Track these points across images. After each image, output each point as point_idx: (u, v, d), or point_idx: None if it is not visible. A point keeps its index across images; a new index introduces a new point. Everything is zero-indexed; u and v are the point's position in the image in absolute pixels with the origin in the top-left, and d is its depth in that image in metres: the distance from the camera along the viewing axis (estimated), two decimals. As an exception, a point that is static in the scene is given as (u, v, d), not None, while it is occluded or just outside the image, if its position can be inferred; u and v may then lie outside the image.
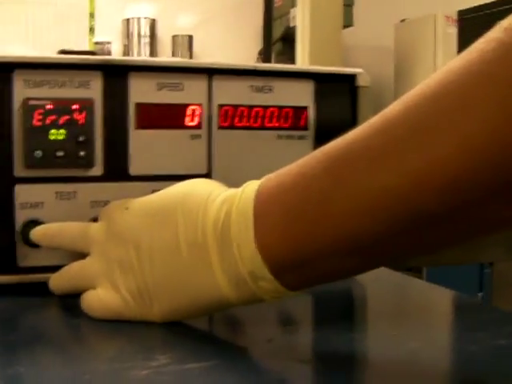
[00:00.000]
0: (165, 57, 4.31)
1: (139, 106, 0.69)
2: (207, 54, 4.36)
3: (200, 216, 0.55)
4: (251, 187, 0.54)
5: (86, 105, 0.67)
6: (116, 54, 4.28)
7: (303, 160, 0.52)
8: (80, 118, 0.67)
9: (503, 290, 1.90)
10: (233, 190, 0.56)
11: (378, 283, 0.73)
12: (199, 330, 0.59)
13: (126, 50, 4.28)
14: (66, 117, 0.66)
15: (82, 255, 0.62)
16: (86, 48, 4.24)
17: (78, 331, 0.59)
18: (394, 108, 0.48)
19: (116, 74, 0.69)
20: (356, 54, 4.50)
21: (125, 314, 0.58)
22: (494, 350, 0.53)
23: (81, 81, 0.67)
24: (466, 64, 0.44)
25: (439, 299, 0.73)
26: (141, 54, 4.23)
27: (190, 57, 4.27)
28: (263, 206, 0.52)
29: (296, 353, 0.54)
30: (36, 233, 0.65)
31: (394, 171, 0.46)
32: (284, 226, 0.51)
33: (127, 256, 0.58)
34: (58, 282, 0.64)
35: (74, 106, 0.67)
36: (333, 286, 0.55)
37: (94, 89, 0.68)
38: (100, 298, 0.59)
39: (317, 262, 0.51)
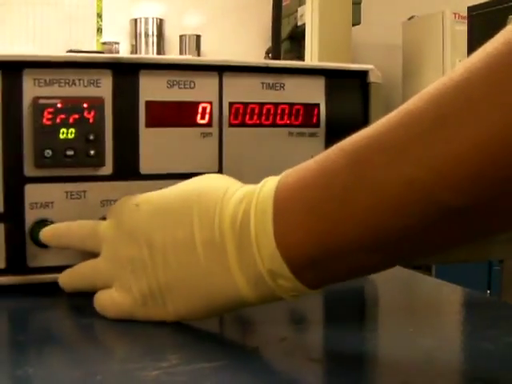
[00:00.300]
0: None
1: (149, 103, 0.69)
2: (215, 54, 4.36)
3: (217, 214, 0.54)
4: (270, 184, 0.53)
5: (96, 103, 0.67)
6: (124, 54, 4.27)
7: (322, 155, 0.51)
8: (90, 116, 0.66)
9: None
10: (250, 187, 0.55)
11: (390, 281, 0.73)
12: (210, 330, 0.58)
13: (134, 50, 4.27)
14: (76, 115, 0.66)
15: (91, 255, 0.62)
16: (94, 48, 4.24)
17: (88, 332, 0.59)
18: (416, 101, 0.47)
19: (126, 72, 0.68)
20: (364, 52, 4.49)
21: (137, 314, 0.58)
22: (507, 346, 0.52)
23: (90, 79, 0.67)
24: (490, 54, 0.44)
25: (450, 296, 0.73)
26: (148, 54, 4.23)
27: (198, 56, 4.27)
28: (283, 204, 0.51)
29: (308, 352, 0.53)
30: (45, 233, 0.65)
31: (418, 165, 0.45)
32: (305, 224, 0.50)
33: (139, 255, 0.57)
34: (69, 279, 0.63)
35: (84, 105, 0.66)
36: (345, 285, 0.54)
37: (103, 87, 0.67)
38: (112, 298, 0.59)
39: (339, 259, 0.50)
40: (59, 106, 0.65)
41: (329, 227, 0.49)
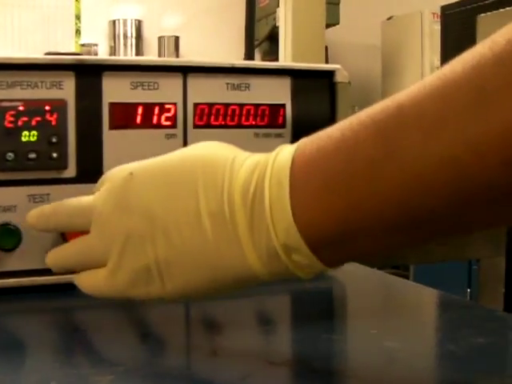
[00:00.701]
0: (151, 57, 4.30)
1: (113, 105, 0.68)
2: (194, 55, 4.35)
3: (226, 184, 0.50)
4: (285, 153, 0.49)
5: (59, 105, 0.66)
6: (102, 56, 4.26)
7: (345, 123, 0.47)
8: (52, 119, 0.66)
9: (490, 286, 1.90)
10: (263, 155, 0.51)
11: (359, 282, 0.73)
12: (173, 332, 0.58)
13: (113, 52, 4.26)
14: (38, 118, 0.65)
15: None
16: (73, 50, 4.22)
17: (47, 337, 0.58)
18: (452, 68, 0.43)
19: (89, 74, 0.68)
20: (343, 52, 4.50)
21: (132, 293, 0.53)
22: (473, 348, 0.52)
23: (53, 81, 0.66)
24: None
25: (421, 298, 0.72)
26: (127, 55, 4.21)
27: (177, 57, 4.26)
28: (301, 174, 0.47)
29: (271, 355, 0.53)
30: (31, 215, 0.60)
31: (454, 140, 0.42)
32: (325, 199, 0.46)
33: (136, 229, 0.52)
34: (57, 259, 0.59)
35: (46, 107, 0.65)
36: (313, 286, 0.54)
37: (66, 89, 0.67)
38: (105, 277, 0.54)
39: (359, 237, 0.47)
40: (21, 108, 0.65)
41: (349, 201, 0.46)
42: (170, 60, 0.71)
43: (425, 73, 3.86)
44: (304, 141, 0.49)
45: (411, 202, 0.44)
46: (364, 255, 0.50)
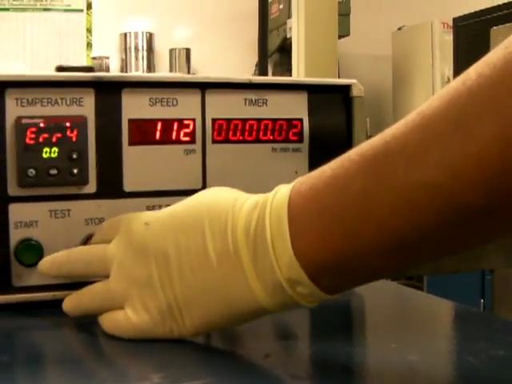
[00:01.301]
0: (163, 70, 4.31)
1: (132, 122, 0.69)
2: (205, 67, 4.36)
3: (229, 223, 0.54)
4: (283, 192, 0.53)
5: (79, 122, 0.67)
6: (114, 69, 4.28)
7: (335, 162, 0.51)
8: (73, 135, 0.66)
9: (504, 297, 1.89)
10: (262, 196, 0.54)
11: (377, 295, 0.73)
12: (195, 347, 0.58)
13: (124, 65, 4.28)
14: (59, 134, 0.66)
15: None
16: (84, 63, 4.24)
17: (71, 352, 0.59)
18: (431, 104, 0.47)
19: (108, 91, 0.69)
20: (354, 63, 4.50)
21: (155, 333, 0.57)
22: (493, 360, 0.53)
23: (73, 98, 0.67)
24: (503, 57, 0.44)
25: (438, 310, 0.73)
26: (138, 68, 4.23)
27: (188, 70, 4.27)
28: (298, 210, 0.51)
29: (292, 369, 0.53)
30: (43, 264, 0.64)
31: (435, 166, 0.45)
32: (321, 228, 0.50)
33: (154, 272, 0.56)
34: (77, 302, 0.62)
35: (67, 124, 0.66)
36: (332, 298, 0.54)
37: (86, 106, 0.68)
38: (129, 318, 0.57)
39: (356, 262, 0.50)
40: (42, 125, 0.65)
41: (346, 232, 0.49)
42: (188, 76, 0.72)
43: (435, 82, 3.86)
44: (299, 180, 0.53)
45: (402, 227, 0.47)
46: (363, 281, 0.53)
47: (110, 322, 0.59)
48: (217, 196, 0.57)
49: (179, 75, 0.72)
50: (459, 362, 0.54)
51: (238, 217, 0.53)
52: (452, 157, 0.45)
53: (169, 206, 0.60)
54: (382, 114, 4.30)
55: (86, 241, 0.67)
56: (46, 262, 0.64)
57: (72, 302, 0.62)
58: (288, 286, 0.51)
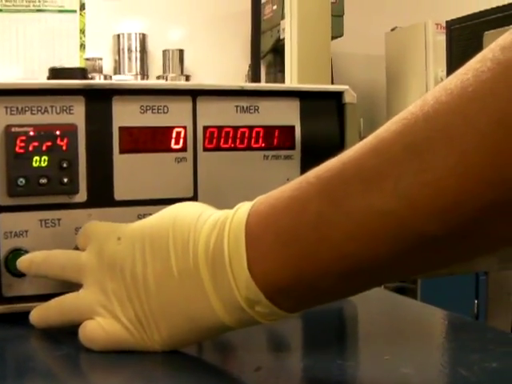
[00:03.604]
0: (156, 71, 4.30)
1: (123, 129, 0.68)
2: (199, 68, 4.36)
3: (191, 241, 0.54)
4: (243, 210, 0.53)
5: (69, 130, 0.66)
6: (107, 70, 4.27)
7: (294, 182, 0.51)
8: (63, 143, 0.66)
9: (498, 298, 1.90)
10: (223, 213, 0.54)
11: (370, 303, 0.73)
12: (184, 358, 0.57)
13: (117, 66, 4.27)
14: (49, 143, 0.65)
15: (68, 284, 0.61)
16: (77, 64, 4.23)
17: (67, 363, 0.58)
18: (388, 127, 0.47)
19: (99, 98, 0.68)
20: (347, 64, 4.50)
21: (128, 344, 0.57)
22: (486, 373, 0.52)
23: (63, 106, 0.67)
24: (460, 84, 0.44)
25: (431, 319, 0.72)
26: (132, 69, 4.22)
27: (182, 71, 4.26)
28: (255, 231, 0.51)
29: (282, 382, 0.53)
30: (22, 261, 0.64)
31: (391, 194, 0.45)
32: (278, 250, 0.50)
33: (124, 286, 0.57)
34: (46, 314, 0.62)
35: (57, 132, 0.66)
36: (325, 306, 0.54)
37: (76, 114, 0.67)
38: (103, 328, 0.57)
39: (314, 284, 0.50)
40: (32, 133, 0.65)
41: (303, 254, 0.49)
42: (179, 84, 0.71)
43: (429, 83, 3.86)
44: (259, 199, 0.53)
45: (357, 251, 0.47)
46: (322, 301, 0.53)
47: (85, 331, 0.58)
48: (182, 211, 0.57)
49: (170, 83, 0.71)
50: (452, 374, 0.54)
51: (200, 235, 0.54)
52: (407, 185, 0.44)
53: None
54: (376, 114, 4.29)
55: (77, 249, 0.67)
56: (24, 261, 0.64)
57: (41, 313, 0.62)
58: (246, 305, 0.51)
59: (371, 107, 4.40)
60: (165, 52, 4.32)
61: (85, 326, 0.58)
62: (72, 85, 0.68)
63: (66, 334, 0.61)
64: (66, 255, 0.63)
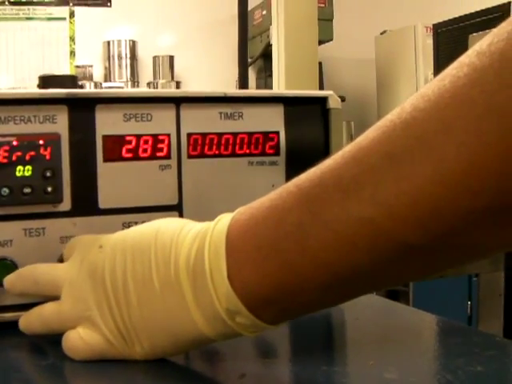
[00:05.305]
0: (146, 78, 4.30)
1: (106, 138, 0.68)
2: (189, 74, 4.36)
3: (172, 253, 0.54)
4: (223, 222, 0.53)
5: (52, 139, 0.66)
6: (97, 77, 4.27)
7: (275, 192, 0.51)
8: (46, 153, 0.66)
9: (490, 300, 1.90)
10: (205, 224, 0.54)
11: (358, 308, 0.72)
12: (167, 364, 0.57)
13: (108, 73, 4.27)
14: (32, 152, 0.65)
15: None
16: (68, 72, 4.23)
17: (51, 372, 0.58)
18: (367, 136, 0.47)
19: (82, 107, 0.68)
20: (337, 68, 4.51)
21: (108, 354, 0.57)
22: (470, 377, 0.52)
23: (46, 115, 0.66)
24: (438, 90, 0.43)
25: (418, 324, 0.72)
26: (122, 76, 4.22)
27: (172, 77, 4.27)
28: (236, 241, 0.51)
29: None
30: (7, 279, 0.63)
31: (369, 202, 0.45)
32: (258, 261, 0.50)
33: (105, 297, 0.56)
34: (29, 323, 0.62)
35: (40, 142, 0.65)
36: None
37: (60, 123, 0.67)
38: (83, 339, 0.57)
39: (295, 296, 0.50)
40: (15, 143, 0.65)
41: (282, 265, 0.49)
42: (162, 91, 0.71)
43: (419, 86, 3.87)
44: (240, 210, 0.53)
45: (338, 261, 0.47)
46: (304, 312, 0.53)
47: (66, 341, 0.58)
48: (165, 225, 0.56)
49: (153, 90, 0.71)
50: (436, 379, 0.53)
51: (181, 247, 0.53)
52: (385, 193, 0.44)
53: (145, 222, 0.59)
54: (367, 117, 4.30)
55: (62, 259, 0.66)
56: (9, 279, 0.63)
57: (26, 321, 0.62)
58: (227, 316, 0.51)
59: (362, 111, 4.41)
60: (155, 58, 4.32)
61: (66, 337, 0.58)
62: (55, 94, 0.67)
63: (51, 343, 0.60)
64: (39, 269, 0.62)
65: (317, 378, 0.54)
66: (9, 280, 0.63)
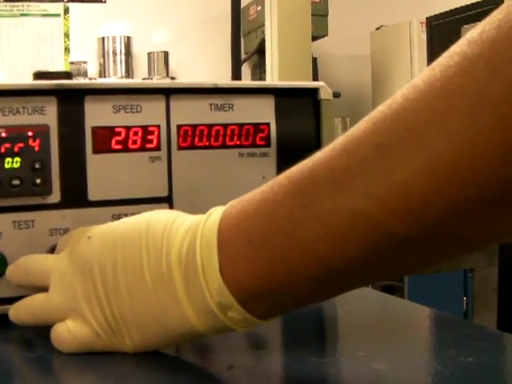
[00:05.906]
0: (141, 74, 4.29)
1: (96, 129, 0.68)
2: (184, 69, 4.35)
3: (164, 246, 0.53)
4: (215, 215, 0.52)
5: (41, 131, 0.66)
6: (92, 73, 4.26)
7: (266, 186, 0.51)
8: (35, 144, 0.65)
9: (484, 294, 1.90)
10: (197, 217, 0.54)
11: (350, 301, 0.72)
12: (154, 356, 0.57)
13: (102, 69, 4.26)
14: (21, 144, 0.65)
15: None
16: (62, 68, 4.22)
17: (42, 365, 0.58)
18: (358, 127, 0.46)
19: (71, 99, 0.67)
20: (332, 64, 4.50)
21: (96, 346, 0.57)
22: (461, 368, 0.52)
23: (35, 107, 0.66)
24: (428, 80, 0.43)
25: (411, 316, 0.72)
26: (117, 72, 4.21)
27: (167, 72, 4.26)
28: (227, 234, 0.51)
29: (255, 381, 0.52)
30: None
31: (360, 194, 0.44)
32: (250, 254, 0.49)
33: (93, 288, 0.56)
34: (19, 314, 0.61)
35: (29, 133, 0.65)
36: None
37: (48, 114, 0.66)
38: (70, 331, 0.57)
39: (286, 289, 0.49)
40: (3, 135, 0.64)
41: (274, 258, 0.48)
42: (151, 82, 0.71)
43: (415, 82, 3.87)
44: (231, 203, 0.53)
45: (329, 254, 0.46)
46: (296, 307, 0.53)
47: (54, 333, 0.58)
48: (157, 218, 0.56)
49: (142, 81, 0.71)
50: (426, 369, 0.53)
51: (173, 240, 0.53)
52: (376, 184, 0.44)
53: (134, 214, 0.59)
54: (362, 113, 4.27)
55: (51, 252, 0.66)
56: (9, 270, 0.64)
57: (16, 312, 0.61)
58: (219, 310, 0.51)
59: (357, 107, 4.41)
60: (150, 54, 4.31)
61: (55, 329, 0.58)
62: (43, 85, 0.67)
63: (40, 335, 0.60)
64: (31, 260, 0.62)
65: (305, 368, 0.53)
66: (9, 271, 0.63)
